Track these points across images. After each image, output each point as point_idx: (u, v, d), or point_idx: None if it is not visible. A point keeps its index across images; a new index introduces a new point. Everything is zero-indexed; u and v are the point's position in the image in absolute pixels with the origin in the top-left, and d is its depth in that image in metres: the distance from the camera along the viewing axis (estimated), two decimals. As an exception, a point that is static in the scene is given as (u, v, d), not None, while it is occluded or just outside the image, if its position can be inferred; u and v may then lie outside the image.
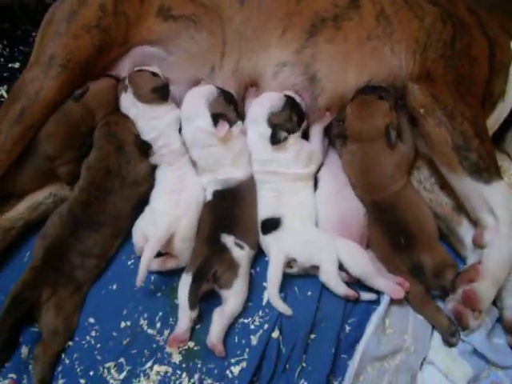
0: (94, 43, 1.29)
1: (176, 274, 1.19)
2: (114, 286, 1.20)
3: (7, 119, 1.21)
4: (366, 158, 1.23)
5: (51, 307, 1.12)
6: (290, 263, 1.15)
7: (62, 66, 1.25)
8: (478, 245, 1.14)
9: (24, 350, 1.11)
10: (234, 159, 1.25)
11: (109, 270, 1.23)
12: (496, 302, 1.13)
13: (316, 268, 1.14)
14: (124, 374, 1.07)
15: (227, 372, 1.06)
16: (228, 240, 1.16)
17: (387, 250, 1.18)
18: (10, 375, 1.08)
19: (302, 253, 1.14)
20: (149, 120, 1.29)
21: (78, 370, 1.08)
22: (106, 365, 1.08)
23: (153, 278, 1.20)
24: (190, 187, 1.26)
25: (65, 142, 1.29)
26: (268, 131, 1.23)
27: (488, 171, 1.13)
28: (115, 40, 1.33)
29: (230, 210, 1.21)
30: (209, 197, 1.24)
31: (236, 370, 1.06)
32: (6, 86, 1.61)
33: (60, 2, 1.40)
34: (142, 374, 1.07)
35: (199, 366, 1.07)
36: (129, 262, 1.24)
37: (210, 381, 1.05)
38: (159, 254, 1.18)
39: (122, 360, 1.09)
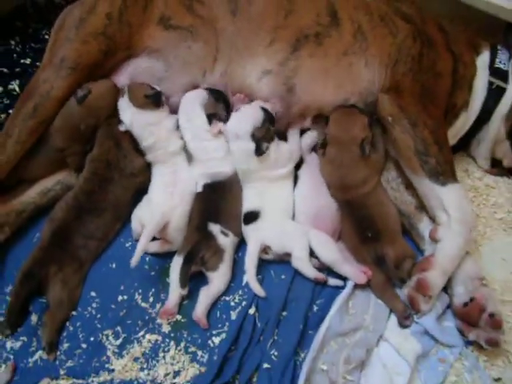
0: (100, 48, 1.40)
1: (168, 256, 1.31)
2: (113, 265, 1.32)
3: (22, 114, 1.33)
4: (342, 162, 1.33)
5: (58, 282, 1.24)
6: (266, 250, 1.28)
7: (72, 69, 1.37)
8: (433, 239, 1.26)
9: (34, 318, 1.24)
10: (224, 154, 1.38)
11: (109, 250, 1.35)
12: (447, 289, 1.26)
13: (289, 255, 1.26)
14: (120, 340, 1.20)
15: (209, 342, 1.19)
16: (214, 228, 1.28)
17: (355, 242, 1.30)
18: (21, 338, 1.21)
19: (276, 241, 1.27)
20: (145, 126, 1.38)
21: (81, 336, 1.21)
22: (105, 332, 1.21)
23: (148, 259, 1.32)
24: (183, 181, 1.37)
25: (70, 136, 1.40)
26: (252, 145, 1.33)
27: (444, 175, 1.25)
28: (119, 45, 1.44)
29: (217, 202, 1.34)
30: (199, 189, 1.36)
31: (217, 340, 1.19)
32: (18, 81, 1.72)
33: (70, 9, 1.52)
34: (135, 341, 1.20)
35: (185, 335, 1.20)
36: (127, 244, 1.36)
37: (194, 349, 1.18)
38: (154, 239, 1.29)
39: (118, 328, 1.22)
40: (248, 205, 1.35)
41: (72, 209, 1.32)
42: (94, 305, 1.26)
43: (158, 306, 1.26)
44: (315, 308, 1.24)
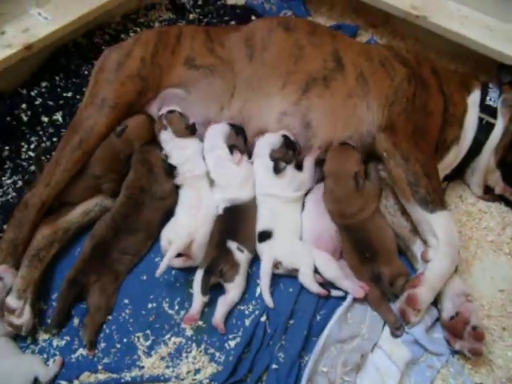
0: (135, 89, 1.60)
1: (191, 271, 1.45)
2: (144, 277, 1.48)
3: (69, 146, 1.52)
4: (338, 194, 1.47)
5: (96, 289, 1.40)
6: (277, 265, 1.43)
7: (112, 107, 1.56)
8: (424, 260, 1.40)
9: (76, 321, 1.41)
10: (241, 183, 1.55)
11: (140, 264, 1.51)
12: (437, 304, 1.39)
13: (296, 271, 1.42)
14: (149, 342, 1.36)
15: (226, 344, 1.34)
16: (232, 245, 1.43)
17: (355, 262, 1.43)
18: (65, 337, 1.38)
19: (286, 258, 1.42)
20: (180, 150, 1.57)
21: (116, 337, 1.37)
22: (136, 334, 1.37)
23: (173, 272, 1.47)
24: (207, 204, 1.52)
25: (108, 165, 1.58)
26: (270, 163, 1.53)
27: (433, 203, 1.39)
28: (151, 86, 1.63)
29: (235, 223, 1.49)
30: (220, 211, 1.52)
31: (232, 343, 1.34)
32: (61, 112, 1.89)
33: (109, 52, 1.71)
34: (162, 343, 1.35)
35: (205, 339, 1.35)
36: (156, 259, 1.52)
37: (212, 350, 1.33)
38: (179, 255, 1.44)
39: (148, 332, 1.37)
40: (261, 225, 1.50)
41: (110, 228, 1.49)
42: (127, 311, 1.42)
43: (182, 312, 1.41)
44: (318, 318, 1.38)
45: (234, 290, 1.40)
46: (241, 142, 1.61)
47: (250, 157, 1.62)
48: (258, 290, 1.43)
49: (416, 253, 1.48)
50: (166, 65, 1.66)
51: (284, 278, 1.46)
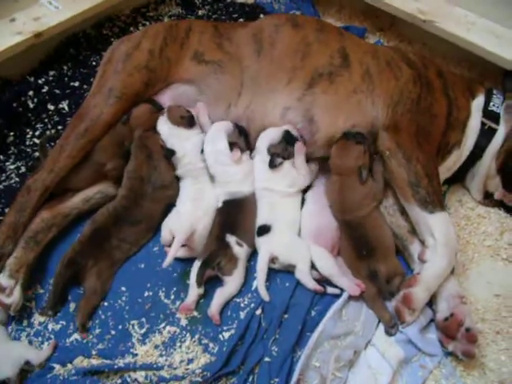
0: (143, 80, 1.61)
1: (189, 261, 1.46)
2: (142, 265, 1.50)
3: (74, 134, 1.54)
4: (342, 187, 1.49)
5: (93, 273, 1.43)
6: (273, 260, 1.43)
7: (118, 97, 1.58)
8: (421, 260, 1.41)
9: (72, 305, 1.43)
10: (242, 178, 1.56)
11: (139, 252, 1.52)
12: (432, 305, 1.40)
13: (293, 266, 1.42)
14: (144, 329, 1.37)
15: (220, 336, 1.35)
16: (231, 239, 1.45)
17: (352, 258, 1.45)
18: (61, 321, 1.40)
19: (283, 253, 1.43)
20: (177, 139, 1.59)
21: (111, 323, 1.39)
22: (131, 322, 1.38)
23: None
24: (208, 197, 1.54)
25: (113, 152, 1.61)
26: (267, 158, 1.54)
27: (432, 204, 1.41)
28: (159, 78, 1.65)
29: (234, 217, 1.50)
30: (220, 204, 1.53)
31: (226, 334, 1.35)
32: (67, 101, 1.92)
33: (118, 44, 1.74)
34: (157, 332, 1.37)
35: (200, 329, 1.36)
36: (154, 249, 1.53)
37: (206, 341, 1.34)
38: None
39: (143, 320, 1.38)
40: (261, 219, 1.51)
41: (112, 216, 1.51)
42: (124, 298, 1.43)
43: (178, 302, 1.42)
44: (313, 313, 1.39)
45: (231, 282, 1.41)
46: (242, 141, 1.62)
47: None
48: (255, 284, 1.44)
49: (413, 253, 1.49)
50: (174, 58, 1.68)
51: (281, 272, 1.47)
